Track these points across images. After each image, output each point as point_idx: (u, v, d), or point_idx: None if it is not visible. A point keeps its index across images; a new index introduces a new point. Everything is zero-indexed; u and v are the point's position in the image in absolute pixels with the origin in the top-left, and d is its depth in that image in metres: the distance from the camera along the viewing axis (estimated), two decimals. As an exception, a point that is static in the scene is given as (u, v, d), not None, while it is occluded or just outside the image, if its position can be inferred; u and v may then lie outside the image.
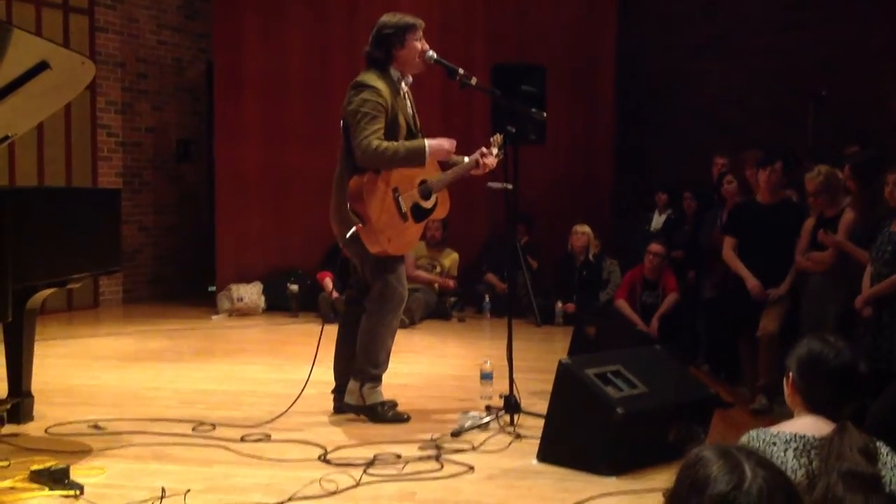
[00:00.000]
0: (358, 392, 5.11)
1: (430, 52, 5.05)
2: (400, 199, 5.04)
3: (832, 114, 9.47)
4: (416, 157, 4.96)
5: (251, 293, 9.68)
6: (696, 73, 10.71)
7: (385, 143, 4.87)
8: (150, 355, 7.21)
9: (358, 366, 5.13)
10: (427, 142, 5.00)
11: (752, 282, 5.86)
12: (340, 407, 5.24)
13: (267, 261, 9.96)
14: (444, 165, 5.33)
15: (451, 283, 9.44)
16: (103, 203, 5.30)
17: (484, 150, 5.21)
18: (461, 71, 5.05)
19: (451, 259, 9.59)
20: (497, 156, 5.24)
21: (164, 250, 10.94)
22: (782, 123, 9.93)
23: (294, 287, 9.50)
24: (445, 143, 5.08)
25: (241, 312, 9.50)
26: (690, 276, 7.95)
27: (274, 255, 9.96)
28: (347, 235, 4.96)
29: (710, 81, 10.65)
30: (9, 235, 4.03)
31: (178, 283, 10.90)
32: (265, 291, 9.77)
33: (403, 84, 5.15)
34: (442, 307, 9.23)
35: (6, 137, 4.63)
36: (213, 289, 10.02)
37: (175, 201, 11.08)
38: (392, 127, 4.98)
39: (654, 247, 7.68)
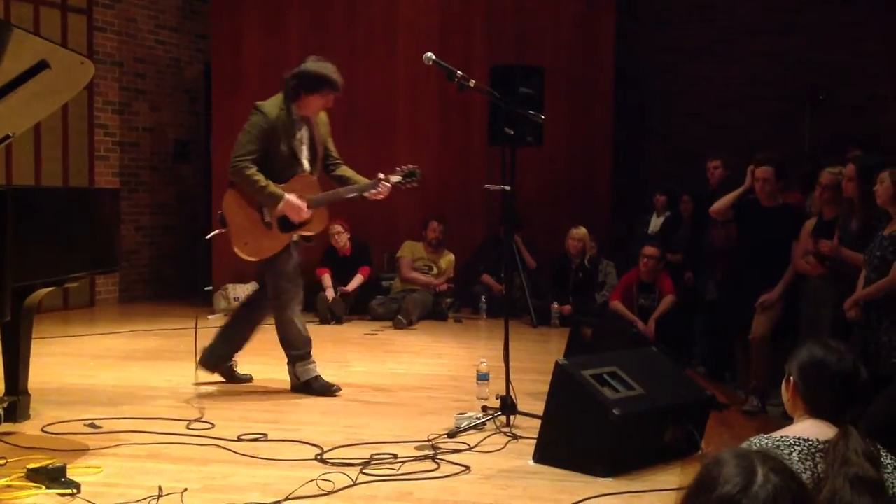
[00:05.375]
0: (293, 373, 5.73)
1: (429, 54, 5.04)
2: (265, 210, 5.57)
3: (829, 117, 9.50)
4: (270, 201, 5.54)
5: (247, 293, 9.65)
6: (694, 76, 10.75)
7: (254, 174, 5.47)
8: (146, 354, 7.21)
9: (286, 353, 5.76)
10: (287, 197, 5.52)
11: None
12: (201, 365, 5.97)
13: (264, 261, 9.94)
14: (342, 182, 5.81)
15: (446, 285, 9.44)
16: (102, 203, 5.31)
17: (381, 175, 5.64)
18: (459, 73, 5.03)
19: (447, 260, 9.59)
20: (402, 184, 5.68)
21: (161, 250, 10.94)
22: (780, 126, 9.97)
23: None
24: (303, 212, 5.57)
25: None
26: (688, 278, 7.96)
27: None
28: (207, 236, 5.75)
29: (707, 84, 10.69)
30: (8, 234, 4.03)
31: (175, 282, 10.89)
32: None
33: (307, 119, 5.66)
34: (438, 308, 9.24)
35: (6, 137, 4.62)
36: (209, 288, 10.01)
37: (172, 201, 11.08)
38: (271, 152, 5.53)
39: (649, 249, 7.66)
